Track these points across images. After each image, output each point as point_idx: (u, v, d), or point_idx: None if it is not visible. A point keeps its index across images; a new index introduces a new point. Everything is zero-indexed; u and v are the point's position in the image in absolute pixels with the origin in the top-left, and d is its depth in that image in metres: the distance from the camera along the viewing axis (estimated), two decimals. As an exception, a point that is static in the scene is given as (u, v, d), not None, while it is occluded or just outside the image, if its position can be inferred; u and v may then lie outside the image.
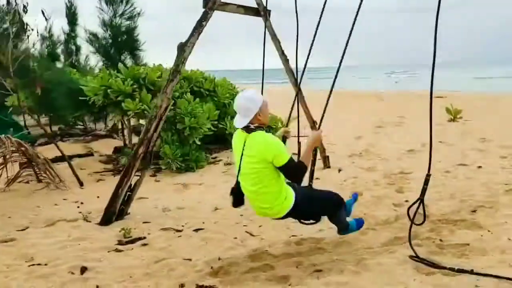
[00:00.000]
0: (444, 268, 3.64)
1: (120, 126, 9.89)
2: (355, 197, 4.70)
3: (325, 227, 4.83)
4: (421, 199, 4.19)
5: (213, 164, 8.06)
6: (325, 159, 7.24)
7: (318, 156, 6.97)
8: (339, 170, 7.16)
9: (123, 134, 9.27)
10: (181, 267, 3.90)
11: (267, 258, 4.05)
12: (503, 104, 17.20)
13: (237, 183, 3.74)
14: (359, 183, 6.38)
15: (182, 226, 5.00)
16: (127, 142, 8.88)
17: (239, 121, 3.57)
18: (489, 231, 4.44)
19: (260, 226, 4.97)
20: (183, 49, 5.22)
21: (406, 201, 5.51)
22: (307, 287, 3.46)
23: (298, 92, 5.46)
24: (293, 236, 4.63)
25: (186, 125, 7.39)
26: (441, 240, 4.29)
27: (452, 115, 12.07)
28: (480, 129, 10.60)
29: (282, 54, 6.28)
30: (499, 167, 7.05)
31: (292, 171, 3.50)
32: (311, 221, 4.15)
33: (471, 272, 3.54)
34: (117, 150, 8.87)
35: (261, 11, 5.94)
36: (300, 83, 5.22)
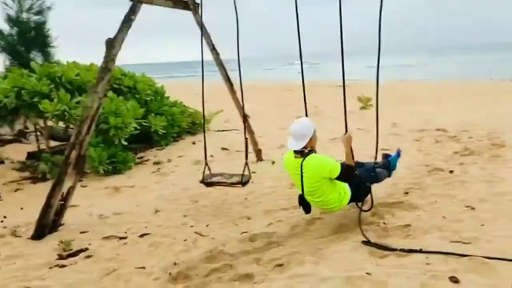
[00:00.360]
0: (395, 249, 3.85)
1: (32, 129, 9.09)
2: (398, 153, 5.20)
3: (274, 221, 4.89)
4: (368, 186, 4.40)
5: (141, 165, 7.74)
6: (258, 152, 7.28)
7: (251, 149, 7.07)
8: (273, 162, 7.25)
9: (37, 138, 8.52)
10: (136, 277, 3.70)
11: (225, 258, 3.98)
12: (400, 91, 18.57)
13: (301, 195, 4.31)
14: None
15: (125, 232, 4.75)
16: (42, 146, 8.18)
17: (294, 144, 4.16)
18: (424, 210, 4.78)
19: (207, 225, 4.88)
20: (112, 45, 4.91)
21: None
22: (273, 282, 3.45)
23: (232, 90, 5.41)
24: (244, 232, 4.60)
25: (111, 125, 7.00)
26: (384, 223, 4.51)
27: (363, 103, 12.76)
28: (389, 115, 11.32)
29: (213, 48, 6.17)
30: (416, 149, 7.60)
31: (345, 175, 4.15)
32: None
33: (420, 251, 3.78)
34: (31, 155, 8.14)
35: (190, 5, 5.77)
36: (240, 78, 5.13)
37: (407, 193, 5.35)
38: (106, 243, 4.45)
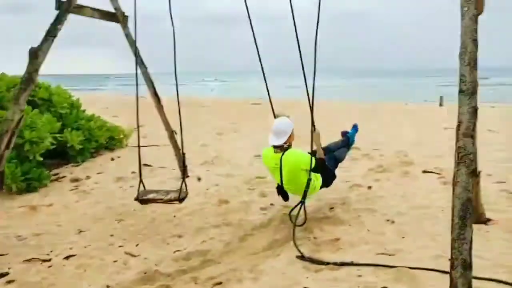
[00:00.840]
0: (329, 263, 4.02)
1: None
2: (355, 128, 6.07)
3: (207, 238, 4.86)
4: (302, 202, 4.55)
5: (57, 182, 7.26)
6: (184, 170, 7.17)
7: (175, 166, 6.98)
8: (199, 179, 7.20)
9: None
10: (67, 302, 3.47)
11: (161, 278, 3.88)
12: (319, 110, 19.41)
13: (279, 186, 4.96)
14: (223, 190, 6.53)
15: (47, 254, 4.43)
16: None
17: (275, 140, 4.69)
18: (349, 225, 5.03)
19: (137, 245, 4.72)
20: (36, 55, 4.63)
21: (272, 204, 5.87)
22: (214, 301, 3.43)
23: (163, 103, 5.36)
24: (177, 251, 4.52)
25: (26, 139, 6.52)
26: (315, 237, 4.69)
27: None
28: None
29: (142, 63, 6.03)
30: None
31: (318, 168, 4.78)
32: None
33: (352, 263, 4.00)
34: None
35: (118, 17, 5.62)
36: (178, 93, 5.06)
37: (332, 208, 5.60)
38: (29, 266, 4.11)
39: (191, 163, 8.01)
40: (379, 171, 7.46)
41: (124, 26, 5.67)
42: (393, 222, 5.06)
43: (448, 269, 2.81)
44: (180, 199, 5.07)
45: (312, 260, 4.10)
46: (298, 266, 4.02)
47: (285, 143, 4.68)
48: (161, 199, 5.11)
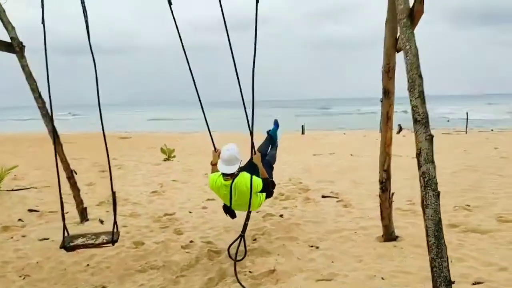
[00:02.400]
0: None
1: None
2: (276, 124, 6.24)
3: (135, 286, 4.48)
4: (242, 235, 4.47)
5: None
6: (83, 212, 6.55)
7: (68, 209, 6.36)
8: (101, 221, 6.62)
9: None
10: None
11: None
12: (185, 142, 19.54)
13: (226, 206, 5.05)
14: (134, 231, 6.11)
15: None
16: None
17: (228, 168, 4.68)
18: (278, 254, 5.10)
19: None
20: None
21: (191, 241, 5.66)
22: None
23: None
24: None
25: None
26: (250, 271, 4.64)
27: (167, 154, 12.86)
28: (187, 165, 11.77)
29: (39, 96, 5.41)
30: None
31: (266, 187, 5.02)
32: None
33: (300, 293, 4.02)
34: None
35: (15, 46, 5.00)
36: (103, 127, 4.65)
37: (255, 239, 5.61)
38: None
39: (87, 205, 7.38)
40: (283, 199, 7.72)
41: (21, 56, 5.06)
42: (317, 247, 5.26)
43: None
44: (114, 241, 4.63)
45: (259, 295, 4.03)
46: (247, 303, 3.92)
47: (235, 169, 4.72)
48: (92, 244, 4.59)
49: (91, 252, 5.26)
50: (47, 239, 5.83)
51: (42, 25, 4.19)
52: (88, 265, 5.05)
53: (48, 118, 5.57)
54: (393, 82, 4.37)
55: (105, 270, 4.90)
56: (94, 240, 4.71)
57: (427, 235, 2.70)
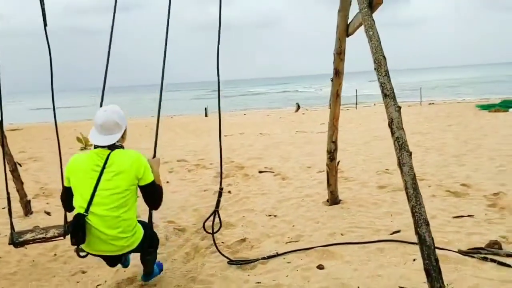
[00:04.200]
0: (258, 259, 4.43)
1: None
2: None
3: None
4: (216, 210, 4.77)
5: None
6: (27, 205, 6.32)
7: (14, 205, 6.14)
8: (48, 213, 6.45)
9: None
10: None
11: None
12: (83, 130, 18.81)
13: (80, 216, 3.11)
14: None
15: None
16: None
17: (104, 138, 3.26)
18: (242, 226, 5.52)
19: (42, 291, 4.14)
20: None
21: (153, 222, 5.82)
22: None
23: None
24: (98, 285, 4.18)
25: None
26: (223, 242, 4.99)
27: (83, 143, 12.44)
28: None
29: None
30: (179, 179, 8.27)
31: (157, 189, 3.47)
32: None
33: (278, 254, 4.51)
34: None
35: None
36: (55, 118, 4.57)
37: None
38: None
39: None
40: (224, 177, 8.08)
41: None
42: (275, 216, 5.77)
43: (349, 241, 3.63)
44: (66, 233, 4.63)
45: (242, 261, 4.43)
46: (233, 269, 4.29)
47: (118, 141, 3.35)
48: (43, 238, 4.56)
49: (53, 243, 5.21)
50: (-2, 235, 5.60)
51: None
52: (55, 254, 5.00)
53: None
54: (343, 64, 4.97)
55: (76, 258, 4.88)
56: (44, 234, 4.66)
57: (406, 188, 3.29)
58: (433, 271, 3.06)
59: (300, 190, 6.92)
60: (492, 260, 3.94)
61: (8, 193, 4.62)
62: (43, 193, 7.63)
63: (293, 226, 5.36)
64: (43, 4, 4.20)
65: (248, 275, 4.14)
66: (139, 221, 3.57)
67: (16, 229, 4.79)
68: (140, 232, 3.47)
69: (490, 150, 8.82)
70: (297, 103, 30.85)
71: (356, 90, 31.32)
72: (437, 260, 3.09)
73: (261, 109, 35.81)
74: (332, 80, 5.20)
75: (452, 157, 8.26)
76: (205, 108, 31.14)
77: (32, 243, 4.57)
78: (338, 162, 5.91)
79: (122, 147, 3.38)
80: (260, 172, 8.30)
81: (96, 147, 3.29)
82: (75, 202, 3.26)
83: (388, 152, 9.54)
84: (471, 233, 4.62)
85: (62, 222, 5.25)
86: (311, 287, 3.77)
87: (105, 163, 3.19)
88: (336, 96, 5.24)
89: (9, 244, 4.45)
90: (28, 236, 4.54)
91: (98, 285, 4.19)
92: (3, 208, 6.83)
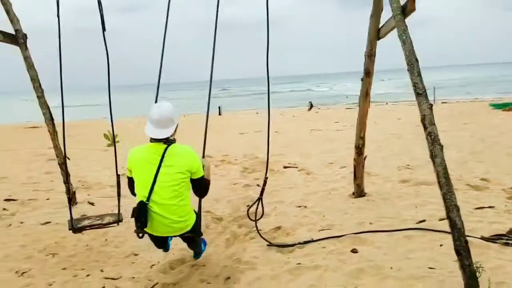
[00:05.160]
0: (295, 244, 4.82)
1: None
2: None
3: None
4: (260, 198, 5.18)
5: None
6: (73, 195, 6.77)
7: (49, 196, 6.58)
8: (92, 204, 6.92)
9: None
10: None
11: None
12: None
13: (142, 204, 3.58)
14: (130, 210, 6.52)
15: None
16: None
17: (158, 132, 3.61)
18: (275, 215, 5.93)
19: (101, 270, 4.57)
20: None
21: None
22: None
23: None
24: (153, 265, 4.60)
25: None
26: (260, 230, 5.38)
27: (110, 140, 12.91)
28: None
29: (39, 86, 5.57)
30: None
31: (206, 183, 3.91)
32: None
33: (313, 240, 4.90)
34: None
35: (19, 39, 5.14)
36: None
37: (248, 205, 6.33)
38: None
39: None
40: (250, 172, 8.52)
41: (25, 48, 5.21)
42: (305, 207, 6.17)
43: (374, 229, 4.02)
44: (119, 220, 5.07)
45: (281, 245, 4.83)
46: (274, 252, 4.70)
47: (171, 135, 3.71)
48: (100, 224, 4.99)
49: (101, 231, 5.63)
50: (49, 222, 6.05)
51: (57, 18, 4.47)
52: (106, 240, 5.44)
53: (46, 107, 5.76)
54: (373, 65, 5.35)
55: (125, 243, 5.34)
56: (101, 221, 5.10)
57: (438, 177, 3.67)
58: (463, 251, 3.44)
59: (326, 184, 7.31)
60: (513, 245, 4.31)
61: (68, 184, 5.04)
62: (82, 185, 8.09)
63: (324, 216, 5.75)
64: (102, 10, 4.60)
65: (288, 258, 4.54)
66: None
67: (61, 220, 5.26)
68: (194, 217, 3.89)
69: (507, 147, 9.14)
70: (310, 102, 31.16)
71: (369, 89, 31.51)
72: (466, 241, 3.47)
73: (273, 108, 36.09)
74: (362, 80, 5.58)
75: (470, 154, 8.58)
76: (219, 107, 31.58)
77: (89, 229, 5.00)
78: (365, 157, 6.28)
79: (175, 140, 3.75)
80: (285, 167, 8.70)
81: (152, 140, 3.67)
82: (137, 191, 3.72)
83: (406, 149, 9.90)
84: (492, 222, 4.98)
85: (108, 211, 5.71)
86: (347, 268, 4.16)
87: (162, 157, 3.56)
88: (365, 95, 5.61)
89: (69, 229, 4.88)
90: (86, 223, 4.98)
91: (152, 265, 4.62)
92: (47, 199, 7.32)
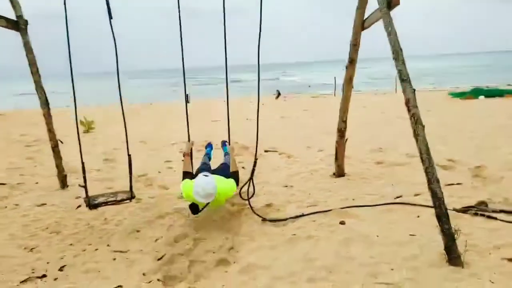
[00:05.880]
0: (287, 219, 5.25)
1: None
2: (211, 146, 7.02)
3: (168, 224, 5.34)
4: (251, 178, 5.55)
5: None
6: (64, 180, 6.95)
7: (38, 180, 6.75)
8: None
9: None
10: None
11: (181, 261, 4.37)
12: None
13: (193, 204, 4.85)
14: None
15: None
16: None
17: (206, 200, 4.74)
18: (264, 194, 6.31)
19: (108, 245, 4.84)
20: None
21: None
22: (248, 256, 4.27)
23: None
24: (160, 238, 4.91)
25: None
26: (252, 206, 5.76)
27: (86, 126, 12.94)
28: (111, 134, 12.15)
29: (37, 71, 5.71)
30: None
31: (236, 175, 5.39)
32: None
33: (303, 214, 5.34)
34: None
35: (21, 24, 5.26)
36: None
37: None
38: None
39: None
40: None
41: (25, 33, 5.34)
42: (292, 186, 6.60)
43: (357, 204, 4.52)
44: (132, 198, 5.37)
45: (274, 220, 5.24)
46: (268, 226, 5.10)
47: None
48: (114, 201, 5.28)
49: (99, 211, 5.88)
50: (45, 204, 6.22)
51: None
52: (105, 219, 5.69)
53: (42, 91, 5.91)
54: (357, 53, 5.80)
55: (124, 221, 5.61)
56: (115, 197, 5.42)
57: (421, 153, 4.14)
58: (443, 217, 3.95)
59: (306, 166, 7.77)
60: (481, 215, 4.89)
61: (83, 163, 5.24)
62: (69, 170, 8.20)
63: (309, 194, 6.20)
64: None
65: (282, 230, 4.95)
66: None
67: (56, 202, 5.49)
68: (234, 186, 5.18)
69: (468, 131, 9.89)
70: (277, 90, 31.62)
71: (335, 78, 32.32)
72: (446, 209, 3.99)
73: (241, 96, 36.38)
74: (346, 68, 6.03)
75: (436, 138, 9.24)
76: (187, 95, 31.55)
77: (104, 205, 5.26)
78: (346, 140, 6.76)
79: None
80: (266, 151, 9.10)
81: None
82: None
83: (376, 134, 10.51)
84: (461, 197, 5.57)
85: (99, 193, 5.92)
86: (338, 237, 4.62)
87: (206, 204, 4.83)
88: (349, 81, 6.06)
89: (86, 206, 5.14)
90: (101, 200, 5.26)
91: (156, 239, 4.93)
92: (36, 183, 7.44)
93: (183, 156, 5.70)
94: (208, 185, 4.67)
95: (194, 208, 4.87)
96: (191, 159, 5.93)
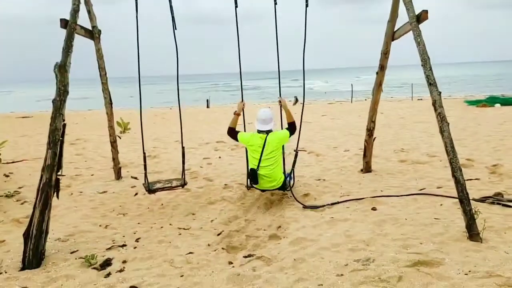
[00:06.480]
0: (324, 205, 5.95)
1: None
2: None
3: (219, 209, 6.08)
4: (293, 169, 6.27)
5: None
6: (119, 171, 7.75)
7: (95, 172, 7.52)
8: (136, 178, 7.88)
9: None
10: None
11: (236, 235, 5.11)
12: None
13: (253, 169, 5.95)
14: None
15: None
16: None
17: (265, 126, 6.08)
18: (300, 186, 7.02)
19: (170, 223, 5.59)
20: (65, 69, 5.02)
21: (226, 184, 7.31)
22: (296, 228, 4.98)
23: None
24: (214, 219, 5.65)
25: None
26: (292, 196, 6.48)
27: (122, 127, 13.80)
28: (149, 134, 12.96)
29: (105, 74, 6.53)
30: (227, 155, 9.72)
31: (292, 130, 6.23)
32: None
33: (338, 202, 6.04)
34: None
35: (95, 34, 6.09)
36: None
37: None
38: (112, 253, 4.69)
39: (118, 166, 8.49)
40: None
41: (98, 42, 6.16)
42: (324, 180, 7.31)
43: (386, 194, 5.20)
44: (184, 184, 6.14)
45: (313, 206, 5.95)
46: (309, 212, 5.81)
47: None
48: (170, 187, 6.05)
49: (155, 197, 6.66)
50: (106, 192, 7.03)
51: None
52: (162, 204, 6.47)
53: (108, 92, 6.73)
54: (387, 61, 6.53)
55: (179, 207, 6.38)
56: (170, 184, 6.20)
57: (446, 146, 4.84)
58: (465, 200, 4.63)
59: (336, 164, 8.48)
60: (498, 204, 5.55)
61: (144, 153, 6.05)
62: (132, 163, 9.05)
63: (341, 186, 6.91)
64: (173, 12, 5.59)
65: (321, 215, 5.66)
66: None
67: (115, 190, 6.28)
68: (282, 179, 6.12)
69: (485, 135, 10.52)
70: (295, 97, 32.34)
71: (352, 85, 32.97)
72: (467, 193, 4.67)
73: (259, 101, 37.24)
74: (377, 73, 6.75)
75: (455, 140, 9.84)
76: (207, 100, 32.52)
77: (161, 191, 6.04)
78: (374, 138, 7.46)
79: (271, 130, 6.06)
80: (295, 150, 9.80)
81: (259, 131, 6.07)
82: (250, 162, 6.11)
83: (397, 137, 11.16)
84: (480, 189, 6.23)
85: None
86: (371, 219, 5.31)
87: (264, 143, 5.92)
88: (378, 85, 6.78)
89: (146, 190, 5.93)
90: (158, 185, 6.04)
91: (211, 220, 5.68)
92: (92, 175, 8.26)
93: (234, 114, 6.38)
94: (267, 112, 6.16)
95: (253, 175, 5.92)
96: (244, 119, 6.62)
